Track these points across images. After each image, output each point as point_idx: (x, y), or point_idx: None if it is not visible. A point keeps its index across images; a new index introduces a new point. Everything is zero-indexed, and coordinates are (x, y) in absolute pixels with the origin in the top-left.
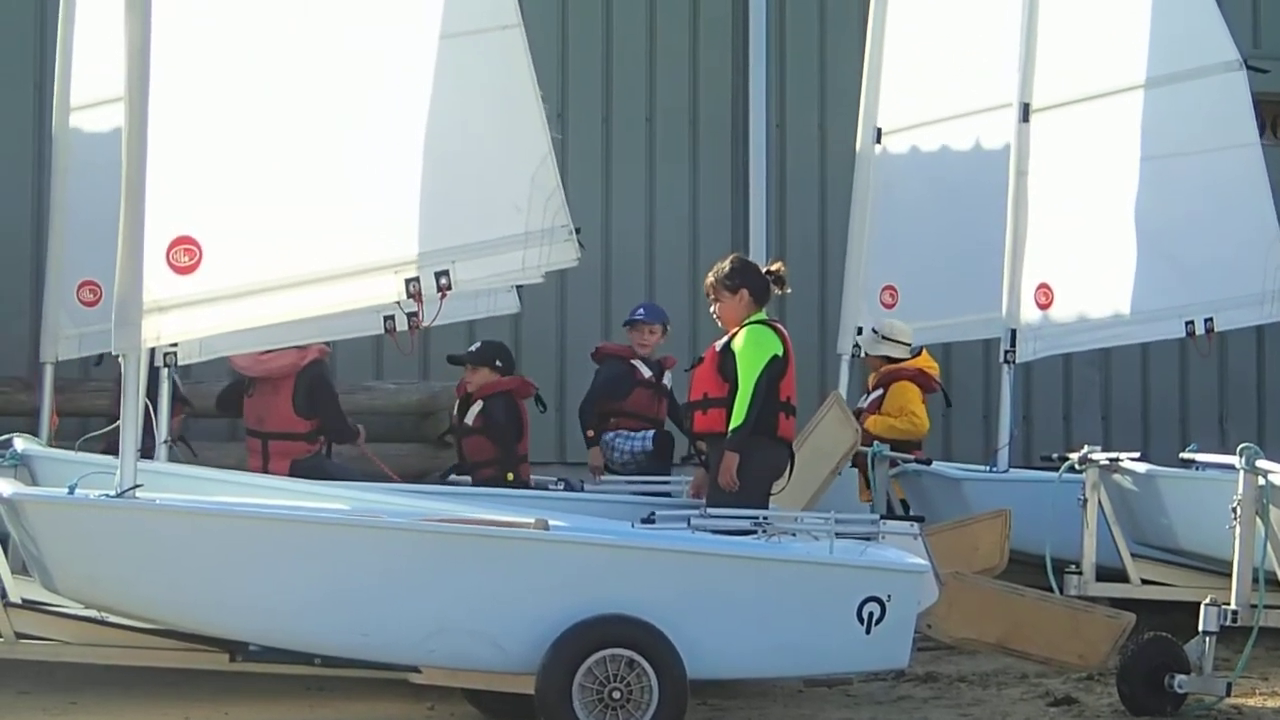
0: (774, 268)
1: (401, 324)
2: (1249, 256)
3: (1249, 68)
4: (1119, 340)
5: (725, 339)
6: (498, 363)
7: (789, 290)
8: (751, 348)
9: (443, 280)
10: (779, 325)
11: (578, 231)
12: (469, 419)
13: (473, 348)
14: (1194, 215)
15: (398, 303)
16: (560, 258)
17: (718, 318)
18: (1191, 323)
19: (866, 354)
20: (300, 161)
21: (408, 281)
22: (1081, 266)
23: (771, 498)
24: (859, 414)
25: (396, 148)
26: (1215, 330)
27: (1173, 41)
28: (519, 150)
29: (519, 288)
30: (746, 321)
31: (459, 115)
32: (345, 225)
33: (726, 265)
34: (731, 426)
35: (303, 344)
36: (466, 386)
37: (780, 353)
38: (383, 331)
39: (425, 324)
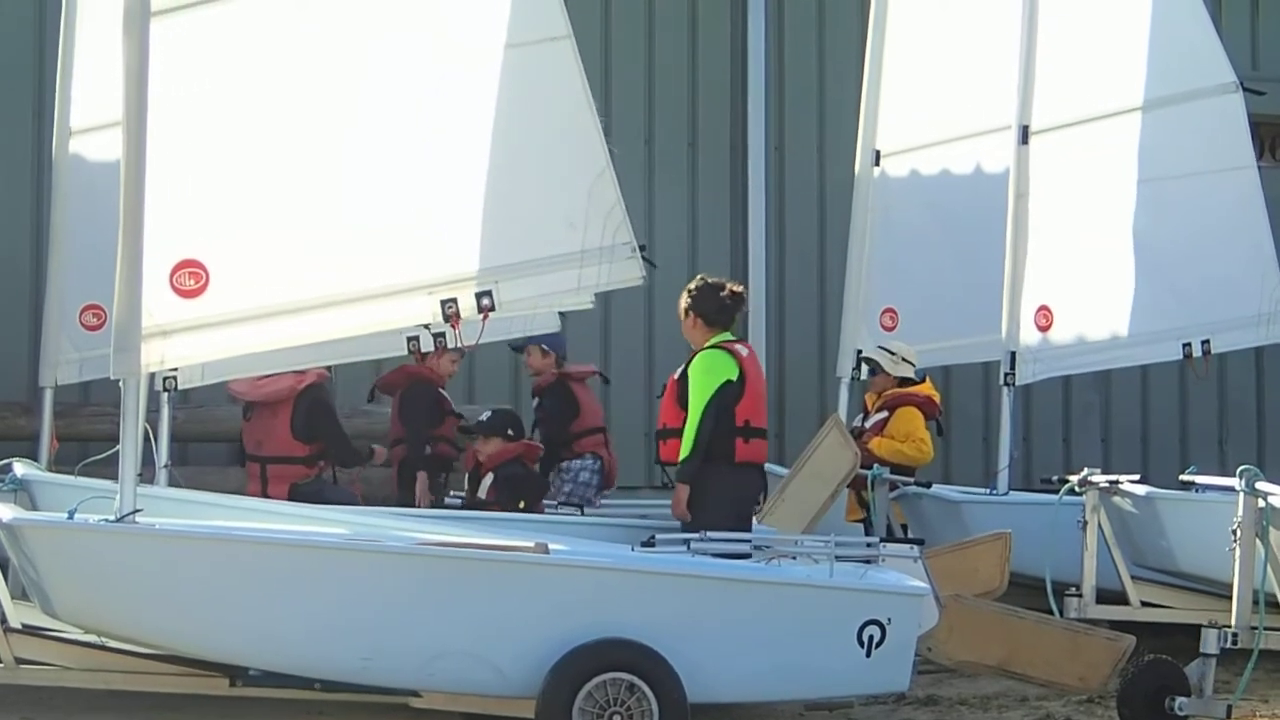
0: (734, 289)
1: (426, 344)
2: (1246, 279)
3: (1246, 90)
4: (1118, 362)
5: (682, 366)
6: (509, 431)
7: (746, 309)
8: (700, 375)
9: (484, 301)
10: (736, 348)
11: (643, 248)
12: (482, 493)
13: (483, 417)
14: (1191, 238)
15: (426, 326)
16: (623, 276)
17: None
18: (1189, 345)
19: (881, 373)
20: (323, 181)
21: (443, 303)
22: (1081, 289)
23: (768, 520)
24: (859, 434)
25: (432, 164)
26: (1212, 352)
27: (1170, 64)
28: (573, 164)
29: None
30: (705, 346)
31: (504, 130)
32: (371, 246)
33: (688, 288)
34: (680, 458)
35: (301, 368)
36: (477, 455)
37: (734, 376)
38: (406, 352)
39: (472, 345)
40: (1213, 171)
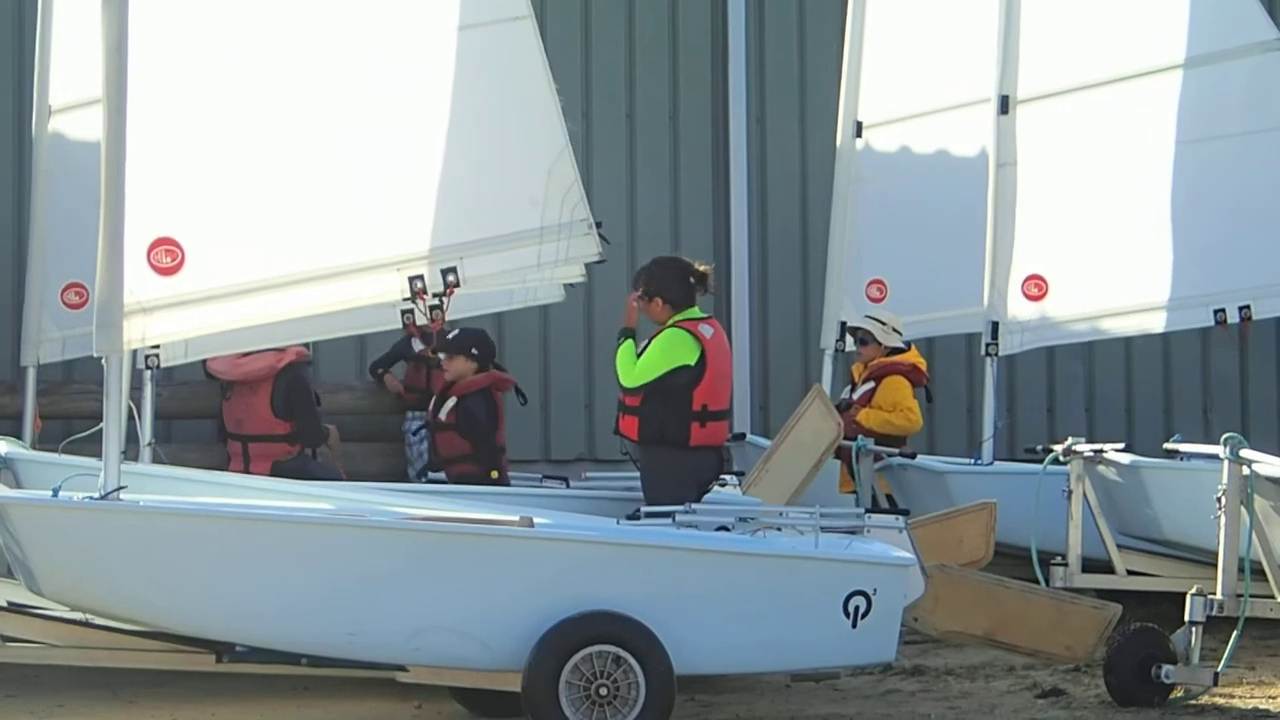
0: (700, 269)
1: (421, 318)
2: None
3: None
4: (1136, 330)
5: (646, 342)
6: (473, 350)
7: (712, 292)
8: (659, 354)
9: (450, 277)
10: (701, 329)
11: (599, 225)
12: (443, 414)
13: (451, 335)
14: (1226, 200)
15: (394, 304)
16: (580, 252)
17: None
18: (1222, 310)
19: (872, 343)
20: (293, 158)
21: (411, 279)
22: (1087, 256)
23: (753, 491)
24: (846, 406)
25: (398, 142)
26: (1252, 318)
27: (1203, 23)
28: (534, 143)
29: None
30: (669, 322)
31: (466, 108)
32: (342, 222)
33: (646, 267)
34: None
35: (281, 346)
36: (444, 375)
37: (693, 361)
38: (399, 326)
39: (437, 322)
40: (1254, 132)
